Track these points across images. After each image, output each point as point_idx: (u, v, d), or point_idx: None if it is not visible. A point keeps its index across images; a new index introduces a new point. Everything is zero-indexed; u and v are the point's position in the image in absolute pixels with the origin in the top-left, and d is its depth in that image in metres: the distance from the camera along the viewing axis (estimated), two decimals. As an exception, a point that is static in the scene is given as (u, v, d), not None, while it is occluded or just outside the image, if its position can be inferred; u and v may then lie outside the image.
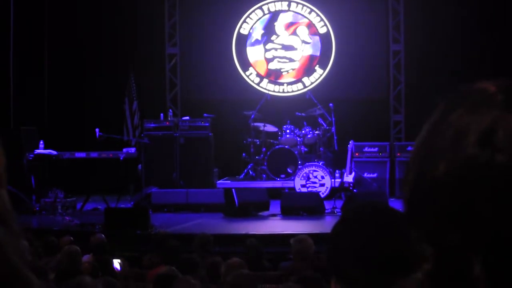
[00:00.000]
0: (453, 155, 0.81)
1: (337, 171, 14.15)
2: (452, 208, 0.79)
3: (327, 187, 13.50)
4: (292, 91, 16.22)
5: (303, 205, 12.47)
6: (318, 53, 16.20)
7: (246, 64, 16.31)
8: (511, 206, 0.77)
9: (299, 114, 14.82)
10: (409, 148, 14.41)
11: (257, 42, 16.34)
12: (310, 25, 16.20)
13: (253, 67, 16.28)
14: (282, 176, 14.20)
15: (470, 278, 0.78)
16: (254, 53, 16.30)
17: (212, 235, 8.49)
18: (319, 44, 16.19)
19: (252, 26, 16.32)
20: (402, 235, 1.54)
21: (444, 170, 0.81)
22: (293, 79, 16.25)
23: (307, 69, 16.20)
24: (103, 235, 8.43)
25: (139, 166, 14.23)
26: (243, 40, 16.34)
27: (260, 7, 16.31)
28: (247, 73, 16.29)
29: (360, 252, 1.56)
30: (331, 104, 14.42)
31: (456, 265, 0.79)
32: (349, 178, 13.11)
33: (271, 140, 14.74)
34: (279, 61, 16.27)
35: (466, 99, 0.84)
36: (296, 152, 14.23)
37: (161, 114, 14.75)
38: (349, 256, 1.56)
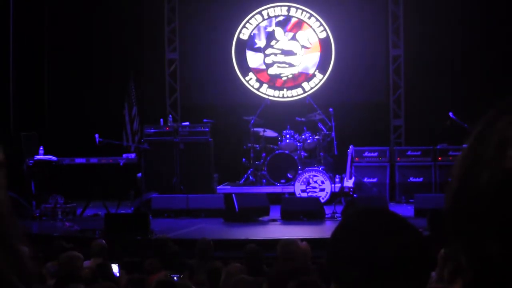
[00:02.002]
0: (495, 166, 0.79)
1: (337, 176, 14.15)
2: (493, 219, 0.78)
3: (327, 192, 13.50)
4: (292, 96, 16.22)
5: (303, 210, 12.47)
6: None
7: (245, 69, 16.32)
8: None
9: (299, 119, 14.83)
10: (409, 153, 14.42)
11: (257, 47, 16.35)
12: (310, 30, 16.20)
13: (253, 72, 16.29)
14: (282, 181, 14.20)
15: None
16: (254, 59, 16.30)
17: (212, 241, 8.49)
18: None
19: (252, 31, 16.33)
20: (401, 239, 1.54)
21: (486, 180, 0.79)
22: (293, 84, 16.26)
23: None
24: (103, 241, 8.43)
25: (139, 174, 14.22)
26: (242, 45, 16.35)
27: (260, 12, 16.33)
28: (247, 78, 16.30)
29: (359, 256, 1.56)
30: (331, 109, 14.42)
31: (497, 277, 0.78)
32: (349, 183, 13.11)
33: (271, 145, 14.74)
34: (278, 66, 16.27)
35: (508, 113, 0.82)
36: (296, 157, 14.23)
37: (161, 120, 14.75)
38: (348, 260, 1.56)
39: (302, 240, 7.97)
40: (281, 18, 16.31)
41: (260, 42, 16.33)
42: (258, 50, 16.33)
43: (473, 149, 0.83)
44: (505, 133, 0.80)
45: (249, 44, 16.35)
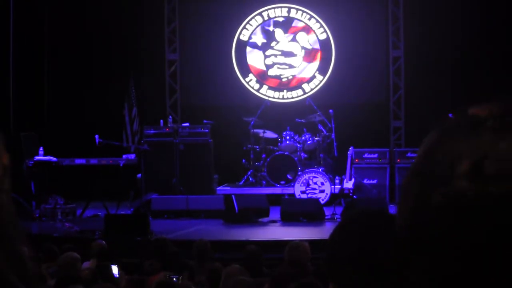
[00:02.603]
0: (445, 186, 0.78)
1: (337, 177, 14.15)
2: (450, 241, 0.77)
3: (327, 193, 13.49)
4: (292, 98, 16.22)
5: (303, 211, 12.47)
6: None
7: (246, 70, 16.32)
8: (504, 237, 0.74)
9: (299, 120, 14.83)
10: (409, 154, 14.41)
11: (257, 48, 16.35)
12: (310, 31, 16.20)
13: (253, 73, 16.29)
14: (282, 182, 14.20)
15: None
16: (254, 60, 16.31)
17: (212, 242, 8.49)
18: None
19: (252, 32, 16.34)
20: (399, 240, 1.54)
21: (438, 201, 0.78)
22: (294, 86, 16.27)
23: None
24: (104, 242, 8.43)
25: (139, 175, 14.22)
26: (243, 46, 16.35)
27: (260, 13, 16.33)
28: (247, 79, 16.30)
29: (358, 257, 1.56)
30: (331, 110, 14.43)
31: None
32: (349, 184, 13.11)
33: (271, 147, 14.74)
34: (278, 68, 16.27)
35: (457, 127, 0.81)
36: (296, 159, 14.23)
37: (161, 121, 14.75)
38: (347, 261, 1.56)
39: (302, 241, 7.97)
40: (281, 19, 16.31)
41: (257, 39, 16.32)
42: (257, 48, 16.33)
43: (423, 169, 0.82)
44: (451, 153, 0.79)
45: (249, 45, 16.35)
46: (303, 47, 16.23)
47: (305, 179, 13.60)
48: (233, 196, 12.60)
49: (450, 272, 0.77)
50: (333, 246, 1.63)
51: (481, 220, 0.75)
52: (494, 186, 0.75)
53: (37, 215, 12.96)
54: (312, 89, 16.14)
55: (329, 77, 16.11)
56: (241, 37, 16.36)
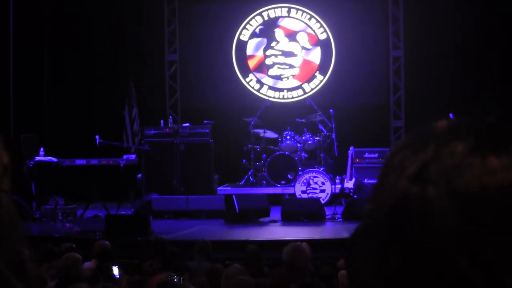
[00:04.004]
0: (390, 191, 0.83)
1: (337, 177, 14.15)
2: (393, 237, 0.81)
3: (327, 193, 13.49)
4: (292, 97, 16.23)
5: (303, 211, 12.46)
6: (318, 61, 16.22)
7: (246, 71, 16.32)
8: (443, 237, 0.78)
9: (300, 120, 14.83)
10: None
11: (257, 48, 16.36)
12: (310, 31, 16.21)
13: (253, 74, 16.30)
14: (283, 182, 14.20)
15: None
16: (254, 60, 16.31)
17: (213, 242, 8.49)
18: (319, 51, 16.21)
19: (252, 32, 16.34)
20: None
21: (385, 199, 0.83)
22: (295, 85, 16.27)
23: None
24: (107, 242, 8.43)
25: (139, 175, 14.22)
26: (243, 46, 16.36)
27: (260, 14, 16.33)
28: (247, 79, 16.30)
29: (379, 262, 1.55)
30: (331, 110, 14.43)
31: None
32: (349, 184, 13.11)
33: (272, 147, 14.74)
34: (279, 68, 16.28)
35: (412, 139, 0.86)
36: (296, 158, 14.23)
37: (161, 121, 14.75)
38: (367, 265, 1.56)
39: (302, 241, 7.97)
40: (281, 19, 16.31)
41: (260, 42, 16.33)
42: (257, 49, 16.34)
43: (378, 184, 0.87)
44: (402, 163, 0.84)
45: (250, 45, 16.35)
46: (303, 47, 16.23)
47: (306, 179, 13.60)
48: (233, 196, 12.60)
49: (391, 268, 0.81)
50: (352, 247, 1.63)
51: (418, 221, 0.79)
52: (433, 189, 0.79)
53: (37, 216, 12.96)
54: (312, 89, 16.15)
55: (329, 77, 16.12)
56: (241, 37, 16.36)
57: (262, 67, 16.31)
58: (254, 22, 16.34)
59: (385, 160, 0.89)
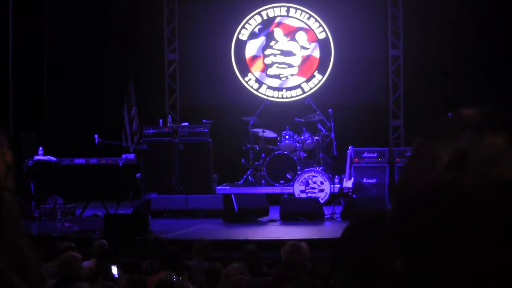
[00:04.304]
0: (425, 178, 0.84)
1: (336, 176, 14.16)
2: (423, 227, 0.82)
3: (326, 193, 13.50)
4: (291, 97, 16.23)
5: (302, 211, 12.47)
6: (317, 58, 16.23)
7: (245, 70, 16.32)
8: (479, 224, 0.80)
9: (298, 119, 14.83)
10: (408, 154, 14.40)
11: (256, 48, 16.36)
12: (309, 31, 16.21)
13: (252, 73, 16.30)
14: (281, 181, 14.20)
15: None
16: (253, 59, 16.31)
17: (212, 241, 8.49)
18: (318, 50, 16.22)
19: (251, 31, 16.34)
20: None
21: (416, 191, 0.85)
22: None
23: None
24: (104, 241, 8.43)
25: (138, 175, 14.23)
26: (242, 45, 16.36)
27: (259, 13, 16.34)
28: (246, 79, 16.31)
29: (361, 259, 1.56)
30: (330, 110, 14.43)
31: (426, 278, 0.82)
32: (348, 183, 13.12)
33: (270, 146, 14.74)
34: (278, 67, 16.28)
35: (442, 127, 0.88)
36: (295, 158, 14.24)
37: (160, 120, 14.75)
38: (351, 262, 1.56)
39: (301, 240, 7.98)
40: (280, 18, 16.32)
41: (259, 42, 16.34)
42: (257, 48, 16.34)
43: (407, 172, 0.88)
44: (434, 151, 0.86)
45: (249, 44, 16.36)
46: (302, 47, 16.23)
47: (305, 178, 13.61)
48: (232, 195, 12.60)
49: (420, 256, 0.83)
50: (340, 247, 1.64)
51: (455, 207, 0.81)
52: (473, 176, 0.81)
53: (36, 215, 12.96)
54: (311, 89, 16.15)
55: (328, 76, 16.12)
56: (240, 37, 16.36)
57: (261, 67, 16.31)
58: (253, 21, 16.35)
59: (412, 150, 0.90)
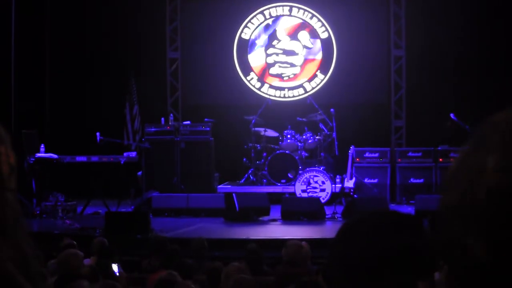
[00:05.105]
0: (474, 183, 0.88)
1: (337, 176, 14.15)
2: (484, 227, 0.86)
3: (327, 192, 13.49)
4: (293, 96, 16.22)
5: (303, 210, 12.46)
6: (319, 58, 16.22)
7: (247, 69, 16.32)
8: None
9: (300, 119, 14.83)
10: (410, 154, 14.41)
11: (258, 47, 16.35)
12: (312, 30, 16.20)
13: (254, 72, 16.30)
14: (283, 181, 14.20)
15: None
16: (255, 58, 16.30)
17: (213, 240, 8.49)
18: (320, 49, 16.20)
19: (254, 31, 16.34)
20: (406, 238, 1.54)
21: (484, 193, 0.88)
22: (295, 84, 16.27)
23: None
24: (105, 239, 8.44)
25: (139, 173, 14.23)
26: (244, 45, 16.35)
27: (262, 12, 16.33)
28: (248, 78, 16.30)
29: (365, 256, 1.56)
30: (332, 109, 14.43)
31: (481, 276, 0.86)
32: (349, 183, 13.11)
33: (272, 145, 14.74)
34: (280, 66, 16.27)
35: (484, 134, 0.92)
36: (296, 157, 14.23)
37: (162, 119, 14.75)
38: (352, 263, 1.56)
39: (302, 240, 7.98)
40: (283, 18, 16.31)
41: (259, 38, 16.33)
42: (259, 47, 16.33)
43: (471, 157, 0.91)
44: (478, 159, 0.89)
45: (251, 43, 16.35)
46: (304, 46, 16.23)
47: (306, 178, 13.60)
48: (233, 194, 12.60)
49: (477, 254, 0.87)
50: (335, 248, 1.63)
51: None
52: None
53: (37, 212, 12.97)
54: (313, 88, 16.14)
55: (330, 76, 16.11)
56: (243, 36, 16.36)
57: (264, 67, 16.31)
58: (256, 20, 16.34)
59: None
